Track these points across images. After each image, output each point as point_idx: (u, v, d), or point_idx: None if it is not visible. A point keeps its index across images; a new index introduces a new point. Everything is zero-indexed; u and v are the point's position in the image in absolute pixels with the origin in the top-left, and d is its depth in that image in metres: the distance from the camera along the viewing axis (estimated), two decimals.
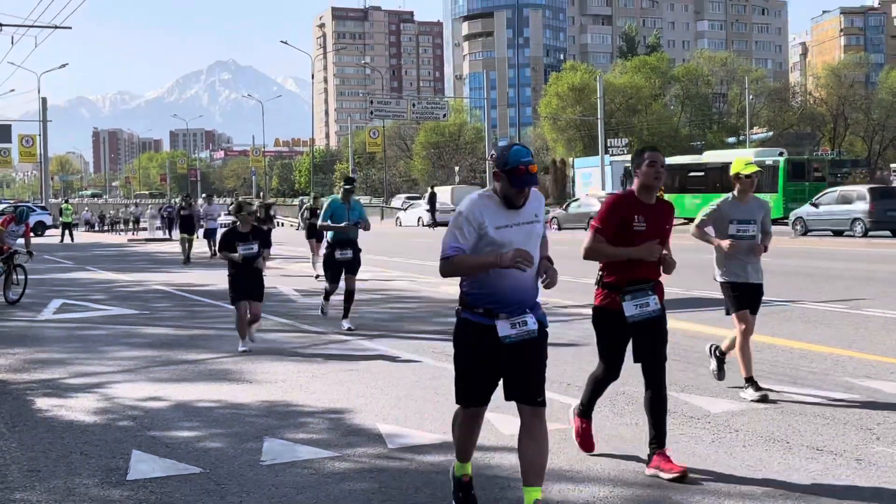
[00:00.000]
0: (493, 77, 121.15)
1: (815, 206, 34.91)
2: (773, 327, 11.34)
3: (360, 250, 12.44)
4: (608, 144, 71.88)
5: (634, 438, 6.36)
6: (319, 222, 12.65)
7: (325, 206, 12.64)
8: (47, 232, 53.74)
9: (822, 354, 9.49)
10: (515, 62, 66.31)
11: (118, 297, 17.25)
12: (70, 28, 45.84)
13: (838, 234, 33.28)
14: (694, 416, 6.99)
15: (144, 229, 55.56)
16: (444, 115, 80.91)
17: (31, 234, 18.90)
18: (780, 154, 48.05)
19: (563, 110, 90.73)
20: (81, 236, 53.19)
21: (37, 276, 22.14)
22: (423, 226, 51.86)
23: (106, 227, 65.04)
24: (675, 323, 11.89)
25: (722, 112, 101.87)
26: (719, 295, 8.55)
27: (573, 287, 16.93)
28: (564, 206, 47.83)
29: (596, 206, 43.95)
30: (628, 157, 68.42)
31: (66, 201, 53.97)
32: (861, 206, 32.89)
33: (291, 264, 24.45)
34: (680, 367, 8.91)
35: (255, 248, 10.52)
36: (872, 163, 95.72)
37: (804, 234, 34.42)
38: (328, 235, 12.51)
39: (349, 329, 11.87)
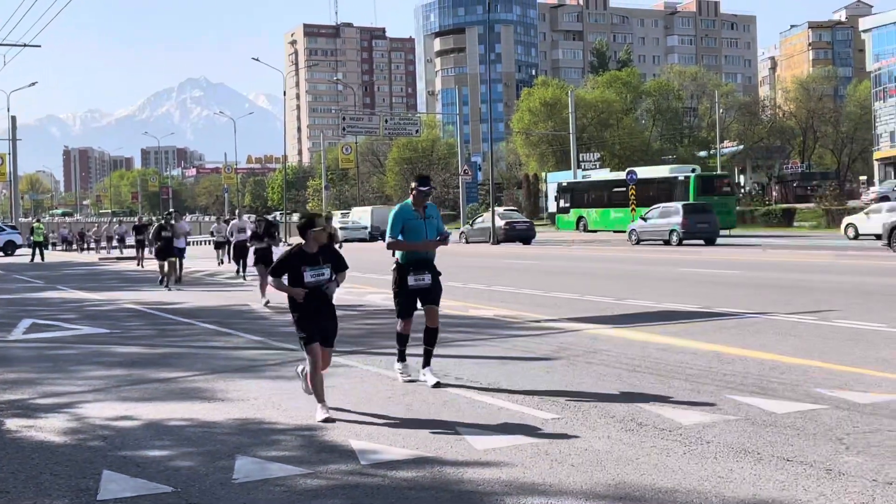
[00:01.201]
0: (465, 93, 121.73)
1: (645, 220, 41.35)
2: (744, 339, 11.42)
3: (440, 273, 9.21)
4: (580, 159, 72.34)
5: (607, 451, 6.38)
6: (388, 238, 9.06)
7: (391, 216, 9.10)
8: (18, 251, 53.26)
9: (792, 365, 9.55)
10: (487, 78, 66.91)
11: (89, 317, 17.13)
12: (39, 46, 45.72)
13: (667, 242, 39.02)
14: (665, 427, 7.02)
15: (131, 247, 54.55)
16: (417, 131, 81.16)
17: None
18: (693, 171, 53.07)
19: (536, 125, 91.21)
20: (57, 255, 52.76)
21: (7, 296, 21.97)
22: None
23: (89, 246, 62.11)
24: (647, 336, 11.96)
25: (693, 126, 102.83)
26: (690, 307, 8.60)
27: (543, 301, 17.00)
28: (471, 223, 51.89)
29: (497, 222, 48.29)
30: (601, 172, 69.89)
31: (38, 220, 53.55)
32: (676, 220, 39.12)
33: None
34: (651, 379, 8.96)
35: (327, 272, 7.83)
36: (842, 175, 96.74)
37: (637, 243, 40.69)
38: (398, 255, 9.14)
39: (436, 384, 8.87)
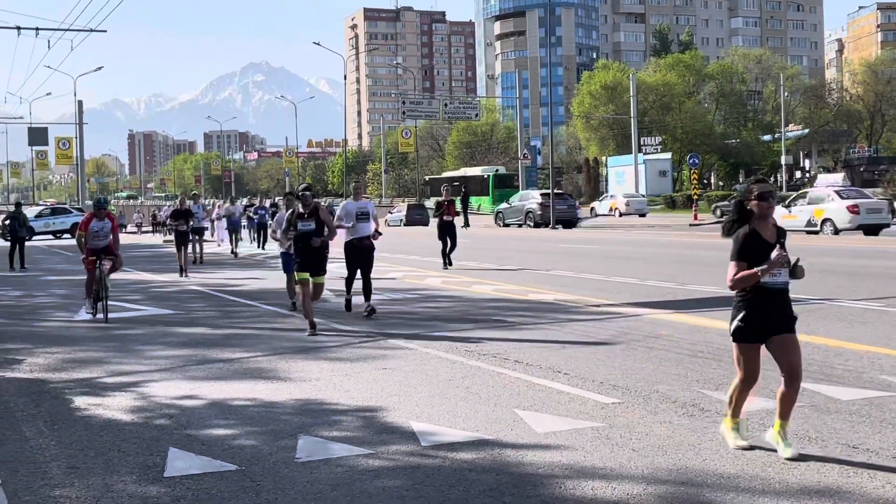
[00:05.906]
0: (525, 76, 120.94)
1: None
2: (808, 325, 11.25)
3: None
4: (641, 143, 71.69)
5: (668, 437, 6.35)
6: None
7: None
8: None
9: (858, 352, 9.41)
10: (548, 61, 66.87)
11: (154, 298, 17.41)
12: (105, 31, 46.26)
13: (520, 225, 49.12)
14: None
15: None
16: (476, 115, 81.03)
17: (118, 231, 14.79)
18: (496, 171, 70.51)
19: (596, 109, 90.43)
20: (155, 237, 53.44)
21: (72, 277, 22.42)
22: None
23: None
24: (711, 322, 11.83)
25: (757, 109, 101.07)
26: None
27: (604, 286, 16.91)
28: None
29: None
30: (662, 156, 69.90)
31: (109, 203, 54.32)
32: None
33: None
34: (713, 364, 8.88)
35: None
36: None
37: (505, 225, 50.13)
38: None
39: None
